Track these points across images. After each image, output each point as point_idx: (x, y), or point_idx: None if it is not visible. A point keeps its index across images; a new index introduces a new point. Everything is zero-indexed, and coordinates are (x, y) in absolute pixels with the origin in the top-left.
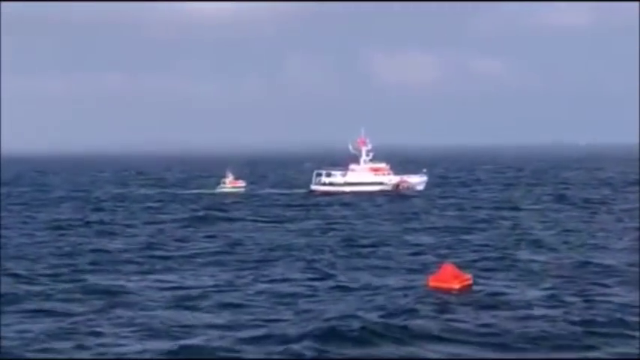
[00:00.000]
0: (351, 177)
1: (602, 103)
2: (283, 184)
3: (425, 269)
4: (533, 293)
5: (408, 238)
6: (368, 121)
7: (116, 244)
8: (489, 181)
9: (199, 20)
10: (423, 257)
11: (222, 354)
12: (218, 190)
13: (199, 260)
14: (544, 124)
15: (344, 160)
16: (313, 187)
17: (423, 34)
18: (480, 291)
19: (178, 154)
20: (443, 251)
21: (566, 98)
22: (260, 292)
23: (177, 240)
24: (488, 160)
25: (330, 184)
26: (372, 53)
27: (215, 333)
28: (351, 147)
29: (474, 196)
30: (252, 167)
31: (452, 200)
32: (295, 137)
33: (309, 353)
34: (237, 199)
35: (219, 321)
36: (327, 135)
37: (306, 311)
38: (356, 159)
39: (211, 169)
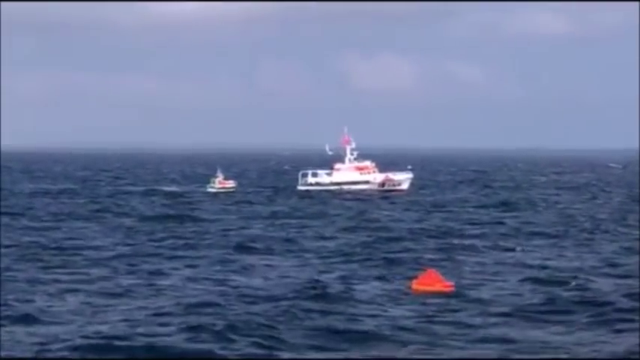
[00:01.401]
0: (337, 176)
1: (581, 110)
2: (268, 184)
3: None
4: None
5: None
6: (344, 124)
7: None
8: (445, 182)
9: (173, 22)
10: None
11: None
12: (207, 190)
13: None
14: (526, 129)
15: (320, 161)
16: (300, 187)
17: (401, 39)
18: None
19: (155, 154)
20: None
21: (545, 104)
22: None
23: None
24: (455, 163)
25: (317, 184)
26: (349, 58)
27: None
28: (327, 148)
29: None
30: (225, 168)
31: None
32: (270, 139)
33: None
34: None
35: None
36: (302, 137)
37: None
38: (334, 160)
39: (186, 168)
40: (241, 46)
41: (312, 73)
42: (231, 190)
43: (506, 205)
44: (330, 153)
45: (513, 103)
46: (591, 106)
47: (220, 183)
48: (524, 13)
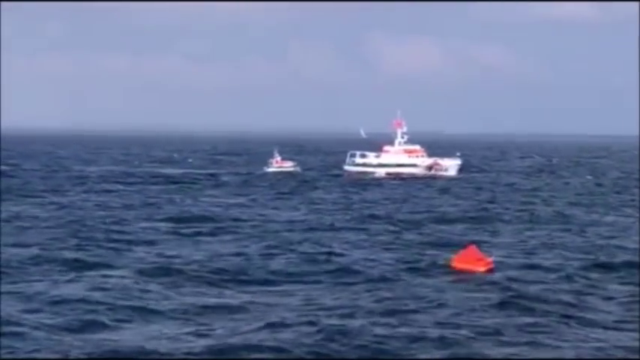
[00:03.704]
0: (384, 158)
1: (605, 95)
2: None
3: None
4: None
5: None
6: (373, 108)
7: None
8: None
9: (200, 3)
10: None
11: None
12: (266, 171)
13: None
14: (552, 113)
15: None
16: (347, 167)
17: (428, 21)
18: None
19: (182, 137)
20: None
21: (570, 89)
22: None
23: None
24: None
25: (364, 164)
26: (376, 41)
27: None
28: (362, 132)
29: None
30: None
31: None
32: (298, 123)
33: None
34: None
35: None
36: (329, 121)
37: None
38: (371, 144)
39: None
40: (269, 28)
41: (340, 56)
42: (290, 169)
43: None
44: (365, 137)
45: (537, 88)
46: (615, 93)
47: (277, 163)
48: None
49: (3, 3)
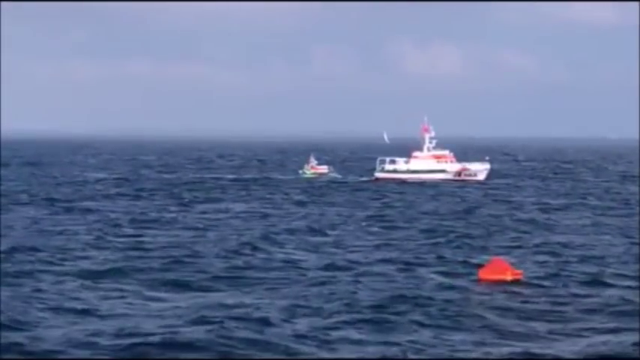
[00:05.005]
0: (413, 164)
1: (629, 99)
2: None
3: None
4: None
5: None
6: (395, 113)
7: None
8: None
9: (223, 6)
10: None
11: None
12: (302, 175)
13: None
14: (577, 117)
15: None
16: (377, 174)
17: (450, 26)
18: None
19: (208, 141)
20: None
21: (594, 92)
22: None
23: None
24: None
25: (394, 170)
26: (399, 45)
27: None
28: (385, 137)
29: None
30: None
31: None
32: (321, 127)
33: None
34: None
35: None
36: (350, 125)
37: None
38: (389, 149)
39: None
40: (291, 31)
41: (362, 60)
42: (325, 175)
43: None
44: (388, 142)
45: (560, 91)
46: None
47: (313, 168)
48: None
49: (23, 5)
